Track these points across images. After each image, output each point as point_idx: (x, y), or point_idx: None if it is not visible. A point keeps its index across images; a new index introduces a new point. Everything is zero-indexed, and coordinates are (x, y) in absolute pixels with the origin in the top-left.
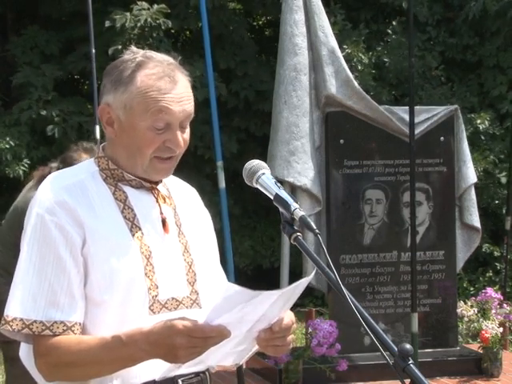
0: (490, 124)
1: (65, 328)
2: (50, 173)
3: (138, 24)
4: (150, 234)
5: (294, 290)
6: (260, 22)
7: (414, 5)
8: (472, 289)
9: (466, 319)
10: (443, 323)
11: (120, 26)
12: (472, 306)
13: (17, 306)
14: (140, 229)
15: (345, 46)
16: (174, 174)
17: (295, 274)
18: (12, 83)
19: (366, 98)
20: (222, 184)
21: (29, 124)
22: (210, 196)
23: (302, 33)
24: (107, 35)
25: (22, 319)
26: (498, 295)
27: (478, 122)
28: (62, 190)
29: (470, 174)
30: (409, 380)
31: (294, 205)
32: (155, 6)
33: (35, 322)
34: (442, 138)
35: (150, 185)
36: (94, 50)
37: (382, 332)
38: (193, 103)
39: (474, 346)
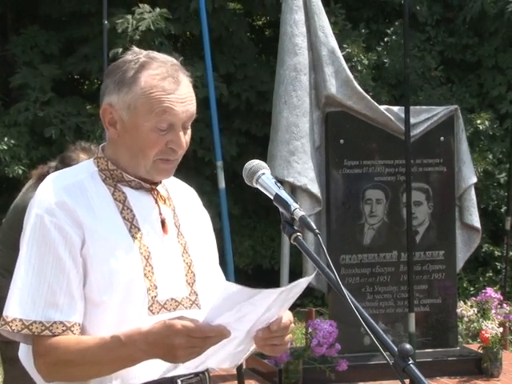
0: (490, 124)
1: (64, 328)
2: (48, 172)
3: (140, 28)
4: (149, 235)
5: (293, 289)
6: (260, 22)
7: (413, 4)
8: (472, 289)
9: (465, 319)
10: (443, 323)
11: (121, 31)
12: (472, 306)
13: (16, 307)
14: (139, 229)
15: (345, 46)
16: (174, 175)
17: (295, 274)
18: (10, 84)
19: (366, 97)
20: (222, 184)
21: (28, 124)
22: (210, 196)
23: (302, 33)
24: (108, 36)
25: (21, 320)
26: (498, 295)
27: (478, 122)
28: (62, 190)
29: (469, 174)
30: (409, 380)
31: (294, 205)
32: (157, 10)
33: (35, 322)
34: (441, 138)
35: (149, 186)
36: (106, 22)
37: (381, 332)
38: (195, 103)
39: (474, 346)
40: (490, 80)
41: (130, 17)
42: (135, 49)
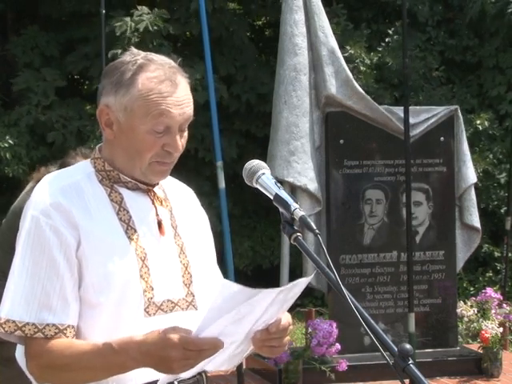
0: (490, 125)
1: (57, 331)
2: None
3: (139, 30)
4: (146, 236)
5: (292, 289)
6: (260, 23)
7: (413, 5)
8: (472, 289)
9: (465, 319)
10: (443, 323)
11: (120, 33)
12: (472, 306)
13: (10, 308)
14: (135, 231)
15: (348, 47)
16: (174, 175)
17: (295, 274)
18: (12, 85)
19: (366, 97)
20: (222, 184)
21: (28, 125)
22: (210, 197)
23: (302, 33)
24: (107, 39)
25: (14, 321)
26: (498, 295)
27: (478, 122)
28: (57, 191)
29: (469, 174)
30: (409, 380)
31: (293, 205)
32: (155, 11)
33: (27, 324)
34: (441, 138)
35: (146, 187)
36: (104, 11)
37: (381, 332)
38: (192, 106)
39: (474, 346)
40: (489, 80)
41: (128, 19)
42: (133, 50)
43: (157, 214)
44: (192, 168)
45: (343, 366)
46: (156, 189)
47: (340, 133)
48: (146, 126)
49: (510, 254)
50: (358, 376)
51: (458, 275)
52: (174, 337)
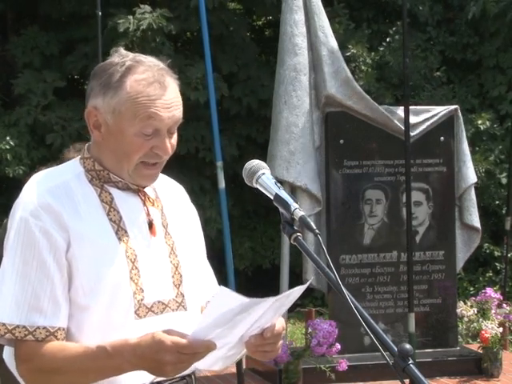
0: (491, 124)
1: (47, 333)
2: None
3: (141, 27)
4: (136, 237)
5: (288, 297)
6: (260, 23)
7: (414, 5)
8: (472, 289)
9: (465, 319)
10: (443, 323)
11: (123, 30)
12: (472, 306)
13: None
14: (126, 232)
15: (350, 46)
16: (174, 175)
17: (295, 274)
18: (12, 86)
19: (366, 97)
20: (222, 184)
21: (29, 126)
22: (210, 197)
23: (302, 33)
24: (109, 36)
25: (4, 324)
26: (498, 295)
27: (479, 122)
28: (46, 192)
29: (469, 174)
30: (409, 380)
31: (293, 205)
32: (158, 10)
33: (18, 326)
34: (441, 138)
35: (136, 187)
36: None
37: (381, 332)
38: (181, 108)
39: (474, 346)
40: (490, 80)
41: (131, 17)
42: (122, 51)
43: (148, 214)
44: (193, 168)
45: (343, 365)
46: (146, 188)
47: (340, 133)
48: (134, 128)
49: (510, 254)
50: (358, 376)
51: (458, 275)
52: (168, 340)
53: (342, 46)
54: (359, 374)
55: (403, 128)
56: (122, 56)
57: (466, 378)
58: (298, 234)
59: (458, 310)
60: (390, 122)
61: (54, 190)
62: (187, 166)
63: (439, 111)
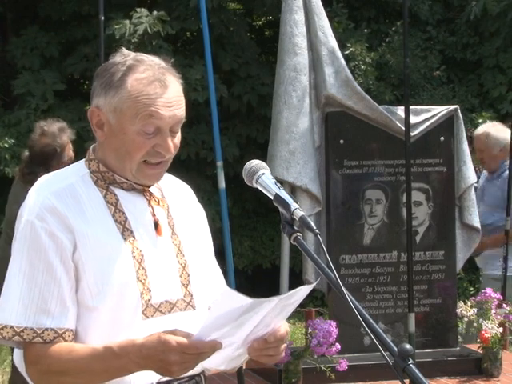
0: None
1: (55, 335)
2: (24, 163)
3: (138, 32)
4: (142, 238)
5: (292, 297)
6: (260, 23)
7: (414, 4)
8: (472, 289)
9: (465, 319)
10: (443, 323)
11: (119, 36)
12: (472, 306)
13: (7, 314)
14: (132, 232)
15: (349, 45)
16: (175, 175)
17: (295, 274)
18: (12, 87)
19: (366, 98)
20: (222, 184)
21: (28, 126)
22: (210, 197)
23: (302, 33)
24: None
25: (12, 326)
26: (498, 295)
27: (480, 121)
28: (52, 195)
29: (469, 174)
30: (409, 380)
31: (293, 205)
32: (154, 13)
33: (26, 329)
34: (441, 138)
35: (141, 187)
36: (103, 18)
37: (381, 332)
38: (184, 107)
39: (474, 346)
40: (490, 80)
41: (127, 22)
42: (124, 50)
43: (153, 214)
44: (194, 168)
45: (343, 365)
46: (152, 188)
47: (340, 133)
48: (135, 126)
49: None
50: (358, 376)
51: (457, 275)
52: (173, 340)
53: (341, 46)
54: (359, 373)
55: (403, 128)
56: (123, 55)
57: (465, 378)
58: (298, 233)
59: (458, 310)
60: (391, 122)
61: (59, 193)
62: (187, 166)
63: (439, 111)
